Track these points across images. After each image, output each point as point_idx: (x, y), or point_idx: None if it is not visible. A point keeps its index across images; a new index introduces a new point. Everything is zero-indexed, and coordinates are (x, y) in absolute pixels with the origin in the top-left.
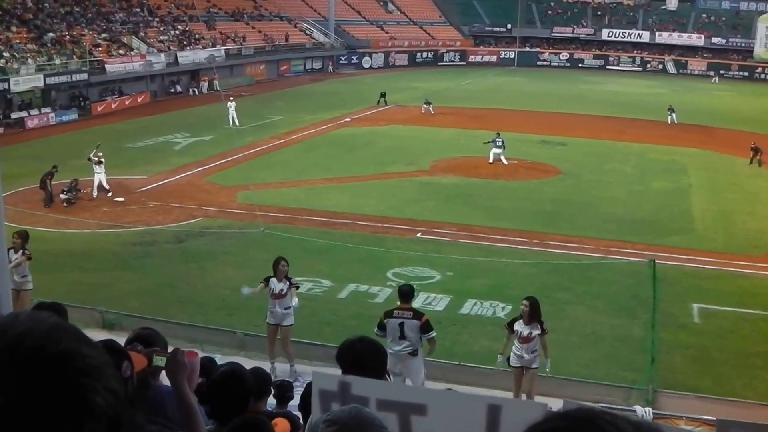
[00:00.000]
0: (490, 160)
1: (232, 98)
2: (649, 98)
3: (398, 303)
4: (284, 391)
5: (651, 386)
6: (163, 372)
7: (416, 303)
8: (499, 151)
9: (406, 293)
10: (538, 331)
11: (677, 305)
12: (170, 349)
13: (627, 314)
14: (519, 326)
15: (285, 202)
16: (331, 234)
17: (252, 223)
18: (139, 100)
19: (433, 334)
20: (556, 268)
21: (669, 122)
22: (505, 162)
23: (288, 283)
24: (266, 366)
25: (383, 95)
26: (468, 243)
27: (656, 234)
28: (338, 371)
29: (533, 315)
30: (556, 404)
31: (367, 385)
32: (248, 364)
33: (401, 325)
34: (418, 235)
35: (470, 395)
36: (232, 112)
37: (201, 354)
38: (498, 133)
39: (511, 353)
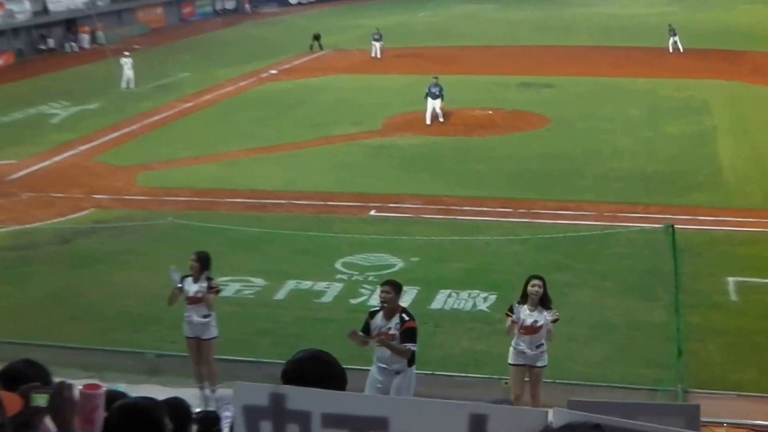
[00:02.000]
0: (428, 121)
1: (126, 53)
2: (655, 20)
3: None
4: (208, 426)
5: (680, 386)
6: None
7: (375, 298)
8: (436, 104)
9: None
10: (549, 319)
11: (707, 280)
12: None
13: (644, 296)
14: (522, 313)
15: (200, 182)
16: (261, 219)
17: (158, 212)
18: (0, 61)
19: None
20: (550, 243)
21: (670, 49)
22: (441, 119)
23: (207, 283)
24: (190, 393)
25: (317, 38)
26: (436, 219)
27: (674, 192)
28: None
29: (545, 297)
30: (560, 415)
31: (309, 396)
32: (163, 393)
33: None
34: (372, 213)
35: (446, 403)
36: (127, 71)
37: (104, 386)
38: (436, 78)
39: (511, 348)
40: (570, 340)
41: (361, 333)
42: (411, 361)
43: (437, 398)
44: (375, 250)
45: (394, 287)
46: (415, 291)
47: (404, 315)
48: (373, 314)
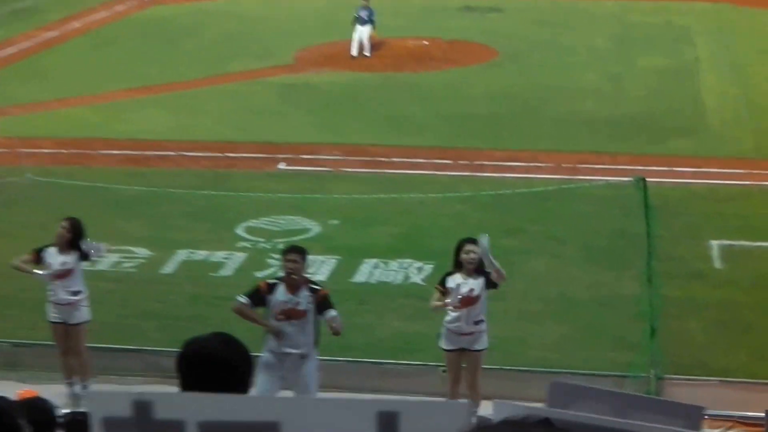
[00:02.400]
0: (353, 52)
1: None
2: None
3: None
4: (77, 431)
5: (653, 371)
6: None
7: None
8: (364, 32)
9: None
10: (484, 287)
11: (687, 244)
12: None
13: (611, 264)
14: (454, 281)
15: (68, 129)
16: (145, 175)
17: (12, 167)
18: None
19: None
20: (497, 201)
21: None
22: (367, 52)
23: (78, 252)
24: (56, 391)
25: None
26: (360, 173)
27: (648, 138)
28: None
29: (481, 264)
30: (501, 409)
31: (182, 402)
32: (19, 391)
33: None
34: (282, 166)
35: (350, 401)
36: None
37: None
38: (366, 1)
39: (443, 328)
40: (522, 318)
41: (270, 321)
42: (317, 343)
43: (365, 392)
44: (285, 212)
45: (301, 254)
46: (334, 261)
47: (313, 285)
48: (271, 287)
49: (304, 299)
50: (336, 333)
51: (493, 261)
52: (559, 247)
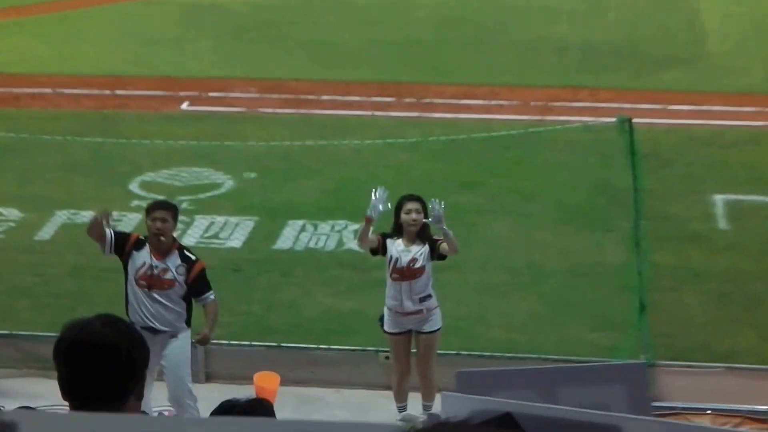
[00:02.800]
0: None
1: None
2: None
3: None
4: None
5: (644, 357)
6: None
7: (192, 236)
8: None
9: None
10: (428, 257)
11: (683, 200)
12: None
13: (589, 225)
14: (395, 249)
15: None
16: (13, 118)
17: None
18: None
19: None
20: (450, 148)
21: None
22: None
23: None
24: None
25: None
26: (281, 115)
27: (634, 70)
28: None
29: (423, 228)
30: (451, 402)
31: (57, 424)
32: None
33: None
34: (185, 106)
35: (239, 423)
36: None
37: None
38: None
39: (385, 312)
40: (482, 292)
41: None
42: (189, 321)
43: (290, 385)
44: (190, 163)
45: (171, 212)
46: (251, 224)
47: (187, 253)
48: (140, 244)
49: (174, 268)
50: (202, 342)
51: (448, 232)
52: (527, 204)
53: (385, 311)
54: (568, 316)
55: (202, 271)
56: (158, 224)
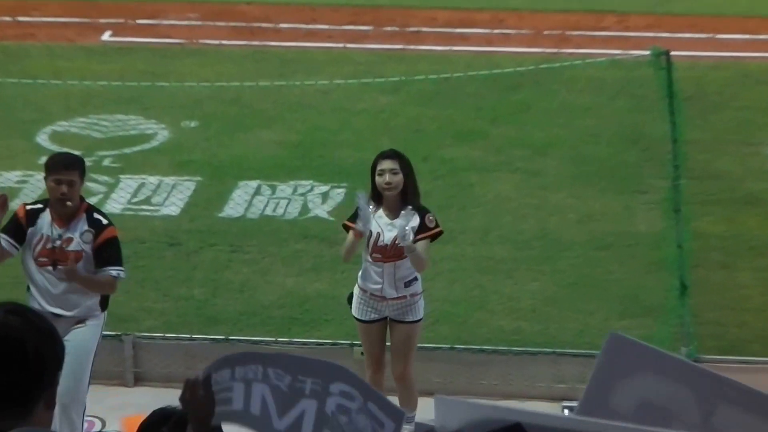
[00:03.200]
0: None
1: None
2: None
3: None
4: None
5: (684, 349)
6: None
7: (116, 202)
8: None
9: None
10: (414, 230)
11: (735, 153)
12: None
13: (616, 185)
14: (375, 222)
15: None
16: None
17: None
18: None
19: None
20: (443, 89)
21: None
22: None
23: None
24: None
25: None
26: (229, 47)
27: None
28: None
29: (407, 193)
30: (448, 409)
31: None
32: None
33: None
34: (106, 37)
35: None
36: None
37: None
38: None
39: (356, 288)
40: (482, 270)
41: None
42: (104, 304)
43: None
44: (113, 109)
45: (79, 170)
46: (192, 185)
47: (97, 216)
48: (34, 215)
49: (80, 235)
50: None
51: (412, 247)
52: (538, 160)
53: (357, 291)
54: (590, 300)
55: (113, 239)
56: (63, 188)
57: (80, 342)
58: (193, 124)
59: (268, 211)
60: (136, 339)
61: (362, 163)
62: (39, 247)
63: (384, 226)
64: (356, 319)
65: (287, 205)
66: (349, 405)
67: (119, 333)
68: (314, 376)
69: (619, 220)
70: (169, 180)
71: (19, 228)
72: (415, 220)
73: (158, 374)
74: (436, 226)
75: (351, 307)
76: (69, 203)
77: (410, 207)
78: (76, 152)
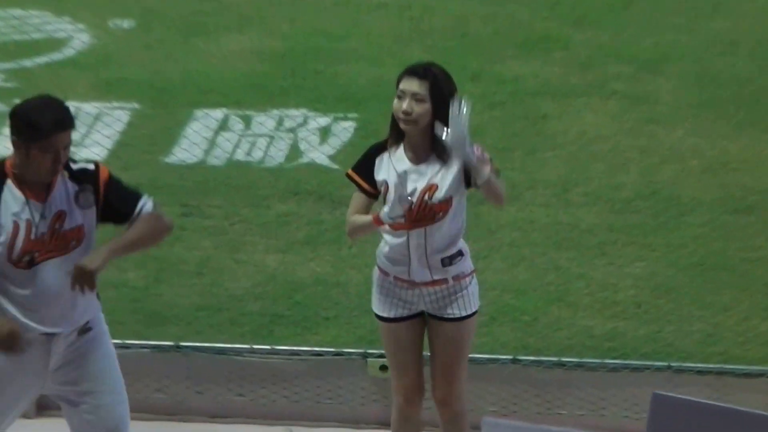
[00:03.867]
0: None
1: None
2: None
3: None
4: None
5: None
6: None
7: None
8: None
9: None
10: (459, 184)
11: None
12: None
13: (761, 120)
14: (391, 170)
15: None
16: None
17: None
18: None
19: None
20: None
21: None
22: None
23: None
24: None
25: None
26: None
27: None
28: None
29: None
30: None
31: None
32: None
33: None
34: None
35: None
36: None
37: None
38: None
39: (375, 276)
40: (560, 245)
41: None
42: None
43: (199, 418)
44: (10, 3)
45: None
46: (125, 115)
47: (78, 165)
48: None
49: (73, 199)
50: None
51: (481, 169)
52: (645, 80)
53: (376, 276)
54: (723, 289)
55: (111, 175)
56: (64, 154)
57: (110, 365)
58: (126, 24)
59: (240, 155)
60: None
61: (380, 84)
62: (20, 242)
63: (402, 174)
64: (377, 316)
65: (268, 146)
66: None
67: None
68: None
69: (766, 171)
70: (91, 107)
71: None
72: (456, 166)
73: None
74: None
75: (373, 302)
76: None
77: (459, 99)
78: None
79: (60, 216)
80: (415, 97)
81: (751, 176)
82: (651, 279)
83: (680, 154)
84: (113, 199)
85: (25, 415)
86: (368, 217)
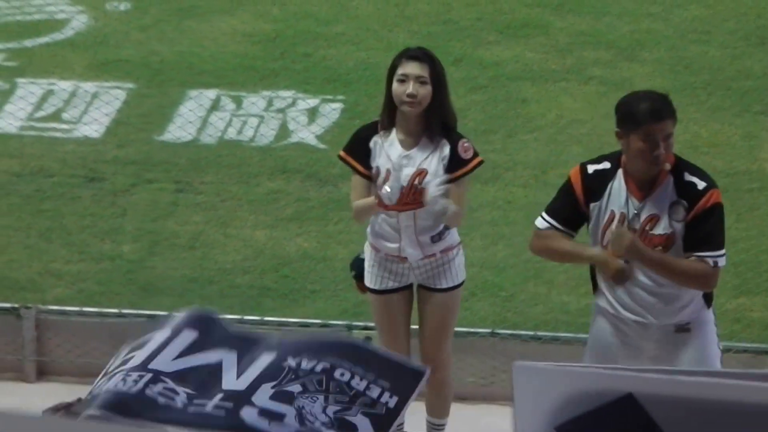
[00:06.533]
0: None
1: None
2: None
3: None
4: None
5: None
6: None
7: (14, 117)
8: None
9: None
10: (445, 166)
11: None
12: None
13: (733, 104)
14: (384, 155)
15: None
16: None
17: None
18: None
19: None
20: None
21: None
22: None
23: None
24: None
25: None
26: None
27: None
28: None
29: (433, 113)
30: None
31: None
32: None
33: None
34: None
35: None
36: None
37: None
38: None
39: (367, 251)
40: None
41: None
42: None
43: None
44: None
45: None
46: (121, 94)
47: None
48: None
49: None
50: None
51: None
52: (622, 66)
53: (368, 251)
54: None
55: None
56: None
57: None
58: (123, 6)
59: (231, 134)
60: (41, 315)
61: (366, 67)
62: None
63: (397, 160)
64: (369, 289)
65: (258, 126)
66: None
67: (16, 306)
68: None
69: (738, 154)
70: (89, 86)
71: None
72: (445, 151)
73: (71, 365)
74: (475, 155)
75: (358, 275)
76: None
77: (438, 187)
78: None
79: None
80: (419, 80)
81: (722, 160)
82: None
83: None
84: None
85: (23, 378)
86: (371, 200)
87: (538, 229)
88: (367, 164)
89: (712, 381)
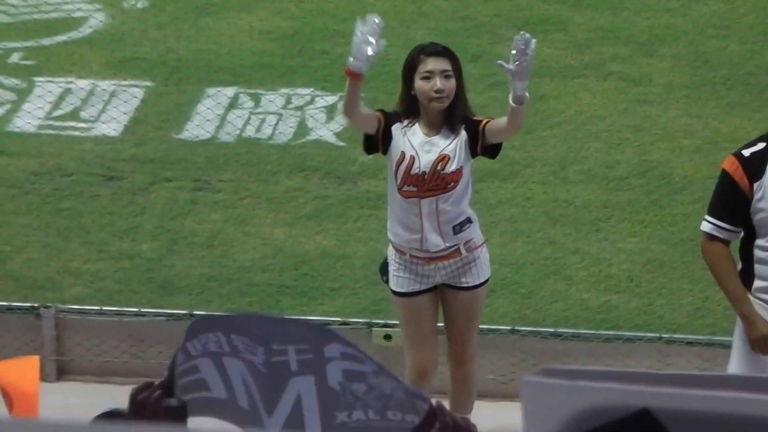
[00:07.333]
0: None
1: None
2: None
3: None
4: None
5: None
6: None
7: (31, 116)
8: None
9: None
10: (468, 154)
11: None
12: None
13: (752, 100)
14: (406, 141)
15: None
16: None
17: None
18: None
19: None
20: None
21: None
22: None
23: None
24: None
25: None
26: None
27: None
28: None
29: (455, 106)
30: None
31: None
32: None
33: None
34: None
35: None
36: None
37: None
38: None
39: (390, 253)
40: (556, 220)
41: None
42: None
43: None
44: None
45: None
46: (139, 92)
47: None
48: None
49: None
50: None
51: (525, 96)
52: (640, 62)
53: (391, 254)
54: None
55: None
56: None
57: None
58: (140, 4)
59: (249, 132)
60: (60, 314)
61: (384, 64)
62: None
63: (420, 147)
64: (393, 292)
65: (277, 124)
66: (359, 368)
67: (35, 305)
68: (296, 342)
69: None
70: (107, 85)
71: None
72: (464, 137)
73: (91, 364)
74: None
75: (385, 279)
76: None
77: (522, 35)
78: None
79: None
80: (445, 74)
81: None
82: (643, 254)
83: (673, 134)
84: None
85: (45, 379)
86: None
87: (706, 233)
88: (387, 128)
89: (735, 396)
